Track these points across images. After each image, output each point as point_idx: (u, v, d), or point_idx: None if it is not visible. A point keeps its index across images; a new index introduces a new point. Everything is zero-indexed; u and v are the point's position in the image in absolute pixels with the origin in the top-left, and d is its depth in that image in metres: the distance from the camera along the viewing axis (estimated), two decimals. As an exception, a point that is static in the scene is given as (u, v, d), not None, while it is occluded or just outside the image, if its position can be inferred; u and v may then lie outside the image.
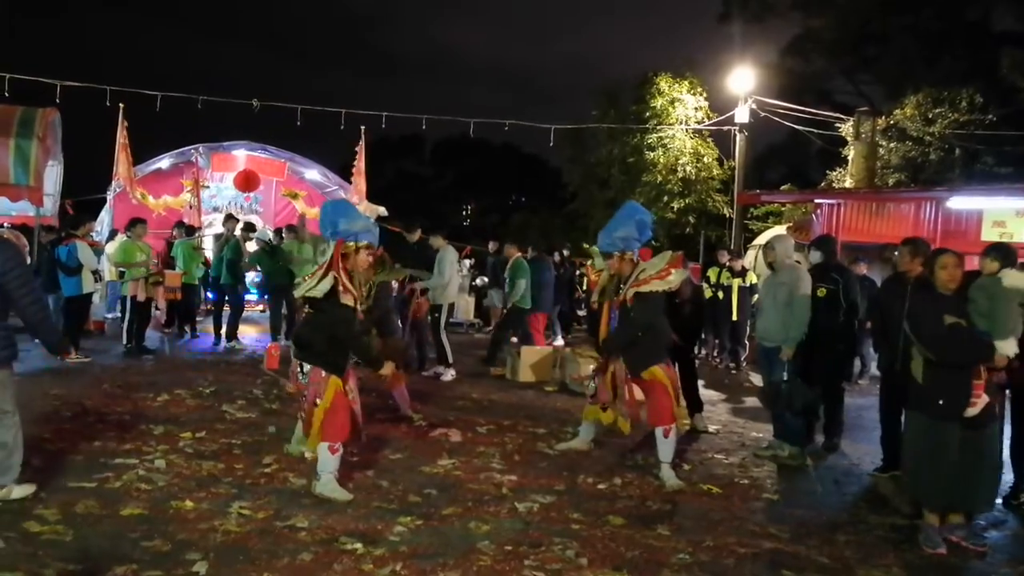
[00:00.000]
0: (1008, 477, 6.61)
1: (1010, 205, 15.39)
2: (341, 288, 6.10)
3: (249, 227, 15.66)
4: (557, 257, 15.62)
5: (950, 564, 5.51)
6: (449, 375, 11.64)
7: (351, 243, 6.23)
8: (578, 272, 19.66)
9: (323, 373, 6.14)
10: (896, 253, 7.76)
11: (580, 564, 5.01)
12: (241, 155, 21.04)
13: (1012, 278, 5.55)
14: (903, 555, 5.58)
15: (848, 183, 23.57)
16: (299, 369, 6.33)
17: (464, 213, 56.68)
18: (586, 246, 14.16)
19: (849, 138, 24.26)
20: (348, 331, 6.21)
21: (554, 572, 4.86)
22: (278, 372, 10.23)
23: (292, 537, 5.20)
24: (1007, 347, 5.40)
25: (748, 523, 6.07)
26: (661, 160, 26.00)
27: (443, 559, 4.94)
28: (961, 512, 5.81)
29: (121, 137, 18.21)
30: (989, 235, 15.16)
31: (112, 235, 15.98)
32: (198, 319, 15.46)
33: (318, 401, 6.09)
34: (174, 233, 15.71)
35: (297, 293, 6.38)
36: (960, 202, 15.90)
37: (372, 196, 21.85)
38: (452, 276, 11.88)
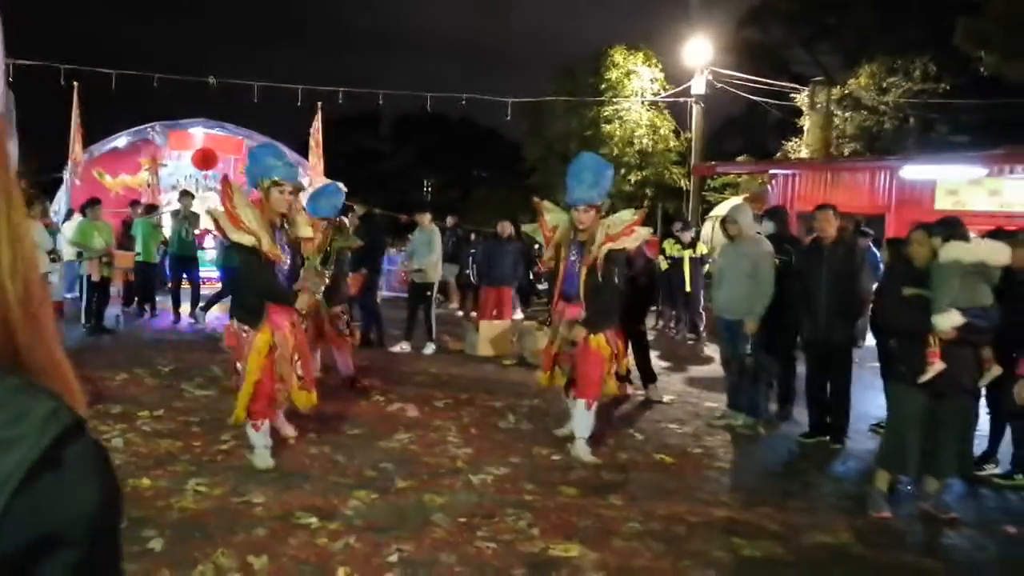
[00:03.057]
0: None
1: (963, 174, 15.61)
2: (227, 224, 5.91)
3: None
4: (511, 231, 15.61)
5: (896, 528, 5.66)
6: (430, 348, 11.99)
7: (264, 181, 6.06)
8: (536, 246, 19.71)
9: (246, 330, 6.07)
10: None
11: (532, 534, 5.10)
12: (199, 133, 20.89)
13: (948, 251, 5.64)
14: (852, 520, 5.72)
15: (804, 153, 23.80)
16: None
17: (425, 189, 56.42)
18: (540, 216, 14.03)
19: (805, 108, 24.45)
20: (248, 275, 6.13)
21: (506, 543, 4.95)
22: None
23: (248, 513, 5.24)
24: (941, 321, 5.50)
25: (700, 492, 6.19)
26: (617, 133, 26.08)
27: (397, 532, 5.01)
28: (932, 478, 5.95)
29: (76, 117, 18.08)
30: (943, 204, 15.37)
31: (69, 215, 15.86)
32: (158, 297, 15.38)
33: (239, 366, 6.08)
34: (134, 213, 15.57)
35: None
36: (913, 171, 16.12)
37: (331, 173, 21.77)
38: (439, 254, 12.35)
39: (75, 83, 18.29)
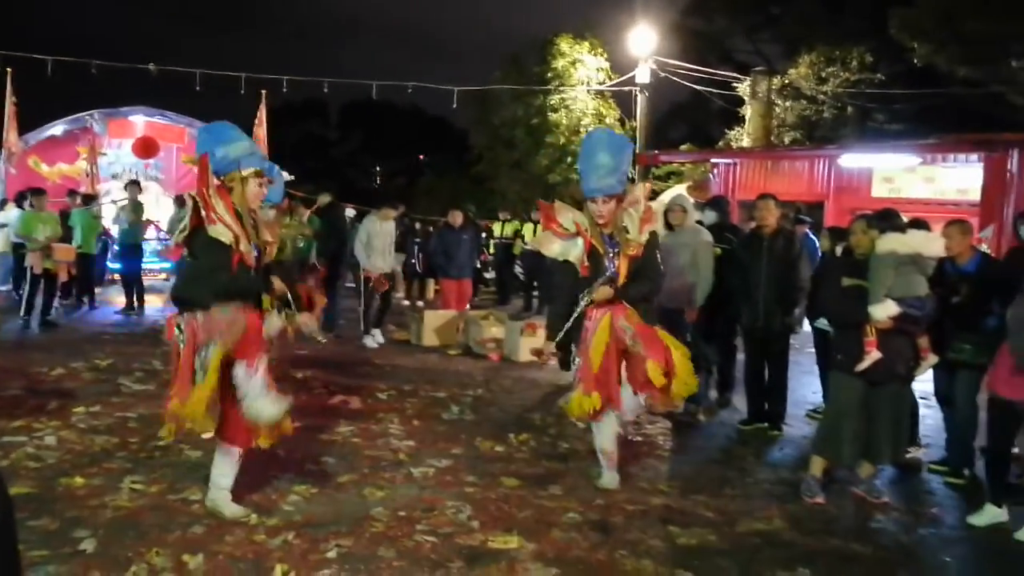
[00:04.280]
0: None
1: (898, 162, 15.90)
2: (208, 219, 4.83)
3: (180, 201, 15.37)
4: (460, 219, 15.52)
5: (828, 514, 5.75)
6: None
7: (235, 172, 4.98)
8: (483, 234, 19.71)
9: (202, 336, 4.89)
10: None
11: (471, 527, 5.12)
12: (139, 121, 20.70)
13: (884, 243, 5.74)
14: (786, 507, 5.81)
15: (746, 142, 24.05)
16: (177, 329, 4.97)
17: (374, 177, 56.23)
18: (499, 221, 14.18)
19: (746, 97, 24.69)
20: (225, 276, 4.91)
21: (445, 536, 4.96)
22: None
23: (185, 510, 5.19)
24: (877, 311, 5.61)
25: (639, 480, 6.25)
26: (564, 122, 26.14)
27: (336, 527, 5.00)
28: (866, 463, 6.04)
29: (10, 104, 17.79)
30: (879, 191, 15.69)
31: (2, 204, 15.59)
32: (98, 289, 15.19)
33: (198, 379, 4.86)
34: (72, 203, 15.32)
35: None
36: (851, 160, 16.41)
37: (276, 161, 21.57)
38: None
39: (8, 69, 17.96)
